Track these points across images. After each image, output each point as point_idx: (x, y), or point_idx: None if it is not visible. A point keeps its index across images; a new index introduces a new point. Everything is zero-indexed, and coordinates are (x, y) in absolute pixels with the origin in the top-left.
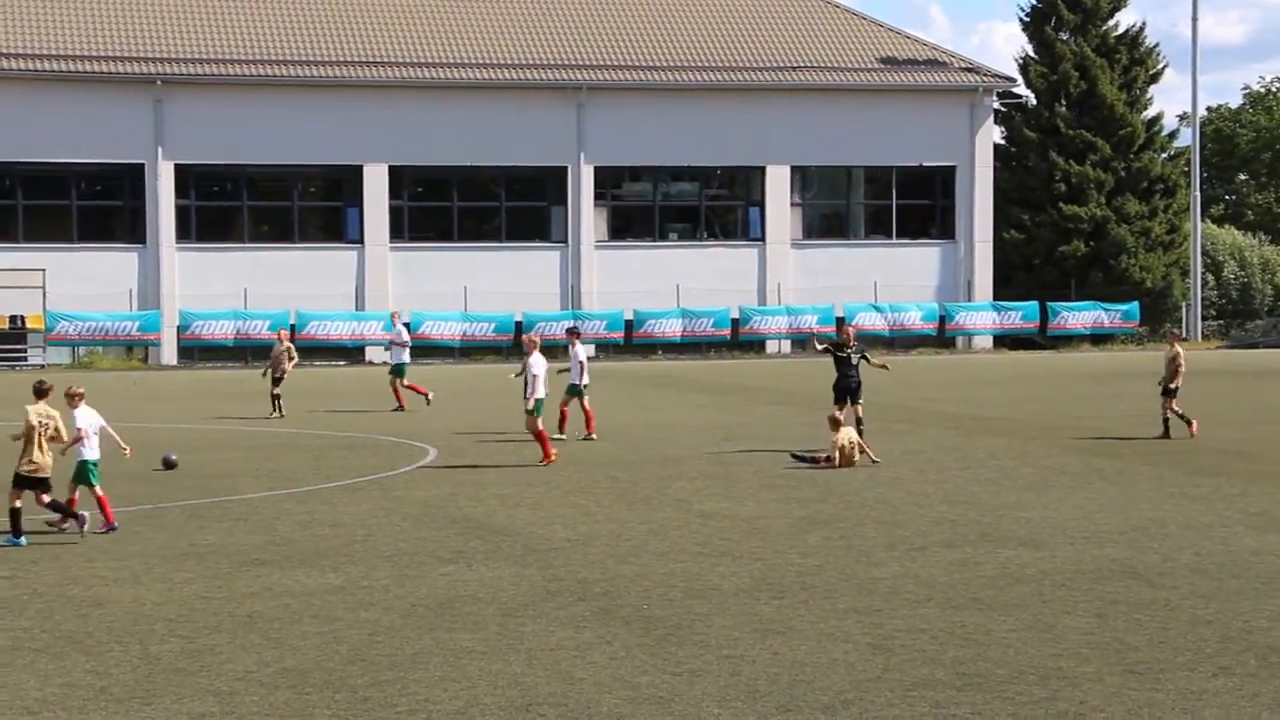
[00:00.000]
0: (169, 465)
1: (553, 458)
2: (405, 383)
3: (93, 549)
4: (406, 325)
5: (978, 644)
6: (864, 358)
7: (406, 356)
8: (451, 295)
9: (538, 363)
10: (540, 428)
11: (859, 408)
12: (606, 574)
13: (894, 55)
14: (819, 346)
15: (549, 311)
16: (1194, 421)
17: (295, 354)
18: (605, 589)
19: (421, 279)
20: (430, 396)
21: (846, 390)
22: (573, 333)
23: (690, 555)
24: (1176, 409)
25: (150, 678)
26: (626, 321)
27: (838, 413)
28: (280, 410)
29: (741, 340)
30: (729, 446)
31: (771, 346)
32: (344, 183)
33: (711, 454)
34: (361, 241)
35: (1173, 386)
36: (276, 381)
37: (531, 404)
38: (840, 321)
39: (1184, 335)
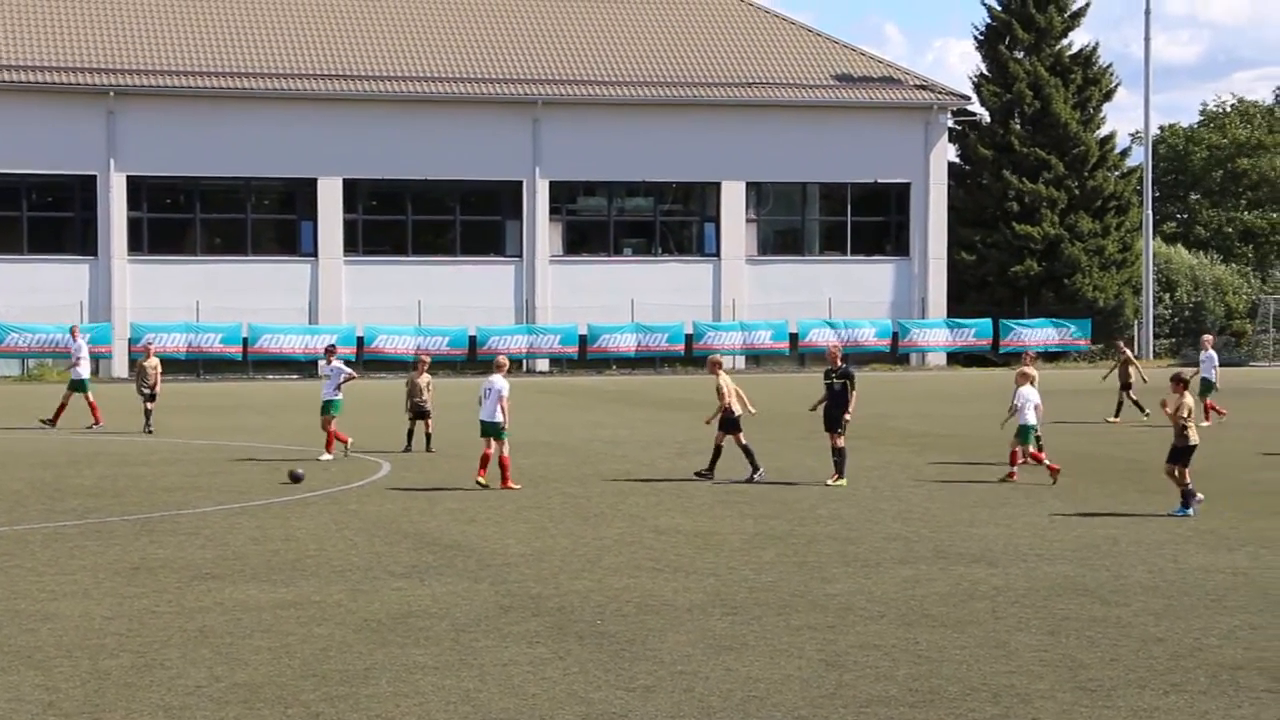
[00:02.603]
0: (295, 479)
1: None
2: (90, 398)
3: (41, 563)
4: (87, 339)
5: (931, 661)
6: (846, 384)
7: (85, 371)
8: (405, 309)
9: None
10: (506, 453)
11: (840, 437)
12: (560, 589)
13: (849, 72)
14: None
15: (503, 326)
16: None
17: (159, 370)
18: (559, 604)
19: (375, 292)
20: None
21: (829, 419)
22: (330, 351)
23: (644, 571)
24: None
25: (100, 693)
26: (581, 336)
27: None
28: (145, 424)
29: (696, 356)
30: (683, 462)
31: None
32: (298, 195)
33: (665, 469)
34: (315, 255)
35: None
36: (151, 397)
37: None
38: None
39: (1137, 352)
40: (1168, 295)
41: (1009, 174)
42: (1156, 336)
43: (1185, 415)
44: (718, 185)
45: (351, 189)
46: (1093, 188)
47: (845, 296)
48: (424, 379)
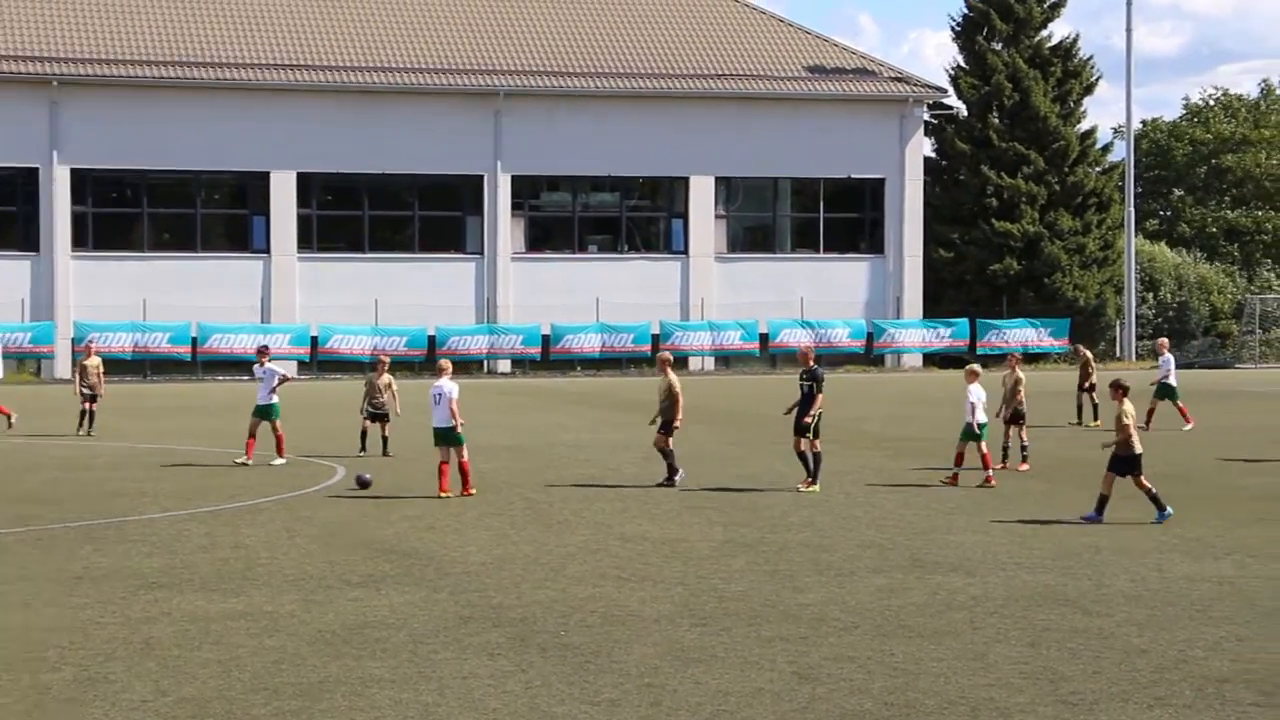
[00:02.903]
0: (363, 484)
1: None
2: None
3: None
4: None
5: (907, 673)
6: (814, 386)
7: None
8: (362, 308)
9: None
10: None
11: (811, 442)
12: (522, 599)
13: (822, 64)
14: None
15: (463, 325)
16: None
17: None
18: (521, 615)
19: (330, 291)
20: (13, 419)
21: (798, 424)
22: (263, 352)
23: (609, 580)
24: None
25: (40, 708)
26: (544, 336)
27: (799, 445)
28: (88, 427)
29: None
30: (650, 467)
31: (694, 363)
32: (249, 190)
33: (631, 474)
34: (268, 251)
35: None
36: (92, 398)
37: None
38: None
39: (1118, 353)
40: (1151, 295)
41: (987, 169)
42: (1139, 337)
43: (1128, 422)
44: (686, 180)
45: (305, 183)
46: (1073, 184)
47: (818, 296)
48: (384, 380)
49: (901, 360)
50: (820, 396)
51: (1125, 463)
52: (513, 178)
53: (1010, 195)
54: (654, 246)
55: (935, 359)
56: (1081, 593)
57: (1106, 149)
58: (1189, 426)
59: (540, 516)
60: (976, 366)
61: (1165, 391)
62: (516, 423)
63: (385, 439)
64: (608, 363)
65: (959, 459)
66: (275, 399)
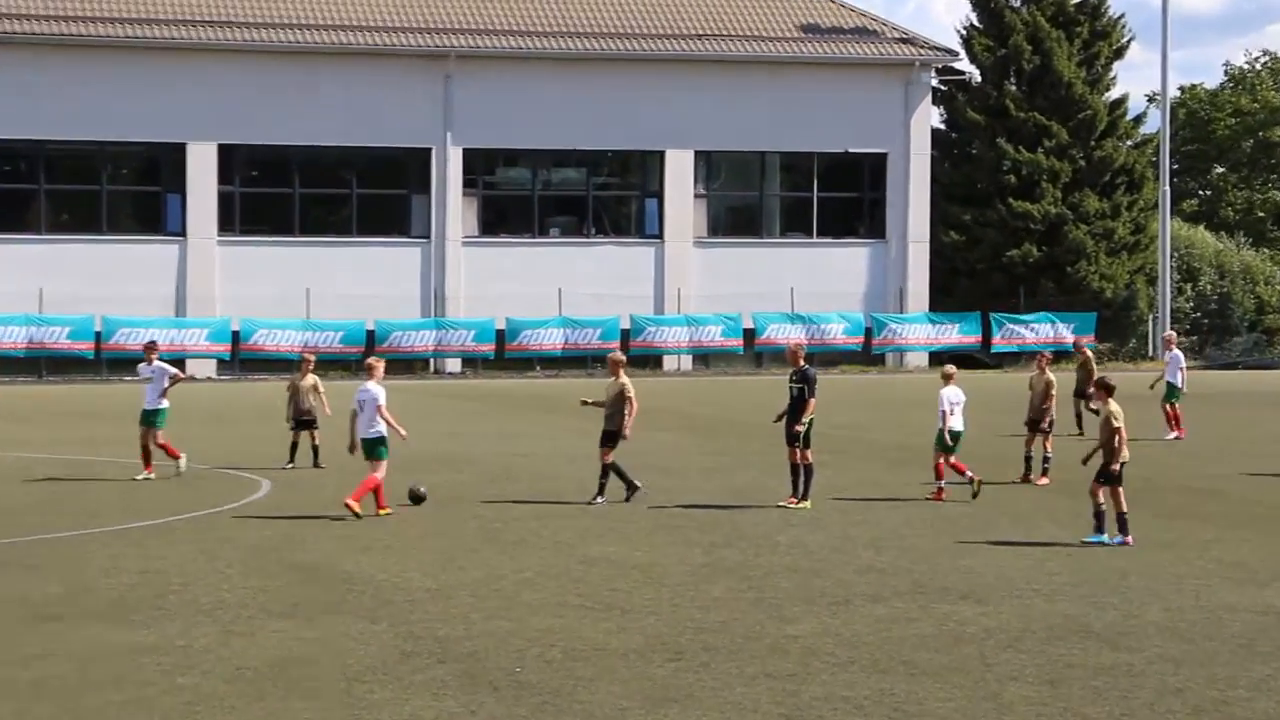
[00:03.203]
0: (417, 499)
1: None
2: None
3: None
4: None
5: (909, 715)
6: (804, 388)
7: None
8: (291, 299)
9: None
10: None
11: (802, 452)
12: (471, 630)
13: (817, 22)
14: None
15: (407, 319)
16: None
17: None
18: (470, 648)
19: (255, 280)
20: None
21: (789, 432)
22: (151, 347)
23: (571, 609)
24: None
25: None
26: (498, 332)
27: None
28: None
29: (634, 355)
30: (619, 481)
31: (670, 362)
32: (163, 164)
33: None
34: (183, 234)
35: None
36: None
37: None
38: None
39: (1151, 352)
40: (1188, 285)
41: (1003, 143)
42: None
43: (1118, 424)
44: (661, 155)
45: (227, 156)
46: (1101, 159)
47: (810, 286)
48: (309, 381)
49: (905, 359)
50: (812, 401)
51: (1112, 472)
52: (464, 151)
53: (1029, 172)
54: (625, 230)
55: (942, 358)
56: (1108, 624)
57: (1139, 120)
58: (1173, 435)
59: (493, 536)
60: (951, 367)
61: (1171, 392)
62: (467, 430)
63: (315, 448)
64: (571, 362)
65: (938, 471)
66: (165, 403)
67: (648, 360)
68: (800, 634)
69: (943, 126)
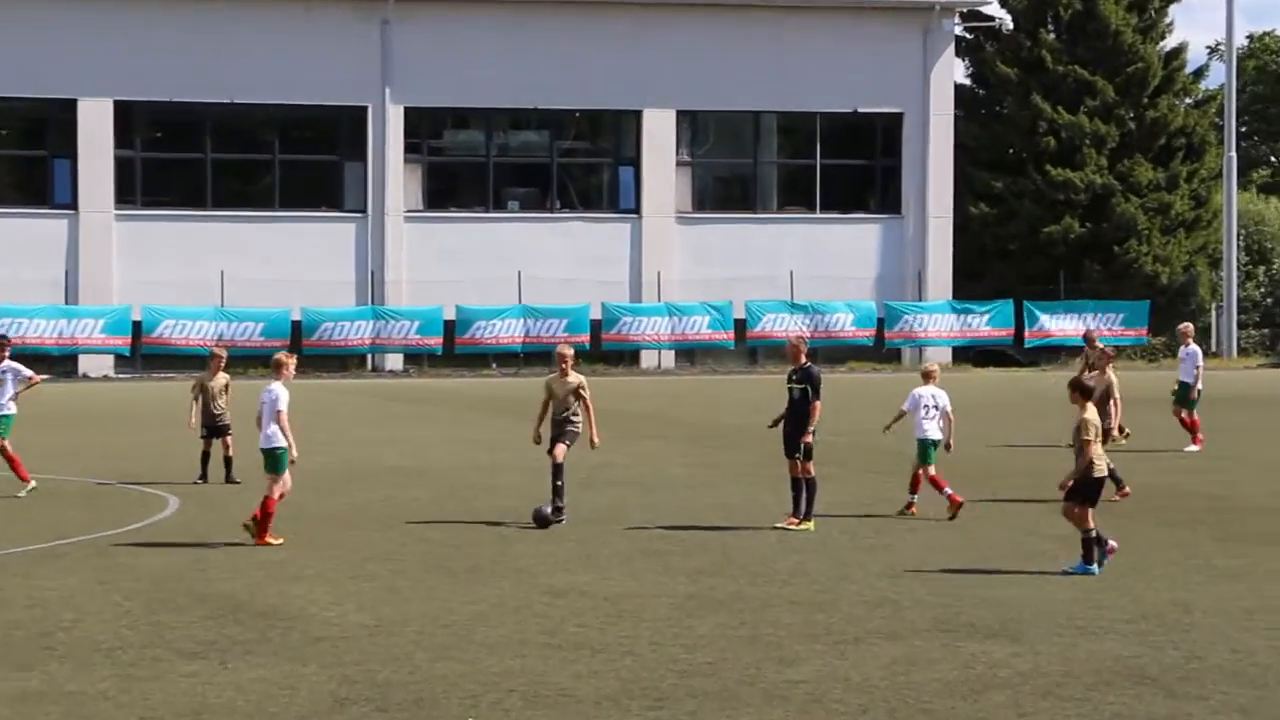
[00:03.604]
0: (543, 522)
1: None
2: None
3: None
4: None
5: None
6: (807, 390)
7: None
8: (202, 284)
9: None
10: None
11: (803, 465)
12: (417, 674)
13: None
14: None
15: (340, 308)
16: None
17: None
18: (415, 694)
19: (160, 261)
20: None
21: (788, 441)
22: (1, 344)
23: (534, 647)
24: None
25: None
26: (447, 323)
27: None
28: None
29: (606, 349)
30: (589, 495)
31: (648, 358)
32: (50, 124)
33: (565, 505)
34: (74, 207)
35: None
36: None
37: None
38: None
39: (1212, 347)
40: (1259, 269)
41: (1039, 100)
42: (1242, 326)
43: (1089, 436)
44: (637, 115)
45: (125, 115)
46: (1154, 120)
47: (813, 269)
48: (220, 380)
49: (924, 355)
50: (817, 405)
51: (1086, 489)
52: (406, 111)
53: (1070, 136)
54: (595, 203)
55: (968, 354)
56: (1165, 667)
57: (1199, 74)
58: (1194, 448)
59: (442, 563)
60: (934, 365)
61: (1182, 395)
62: (410, 437)
63: (229, 459)
64: (533, 357)
65: (914, 484)
66: (12, 408)
67: (622, 356)
68: (803, 678)
69: (968, 82)
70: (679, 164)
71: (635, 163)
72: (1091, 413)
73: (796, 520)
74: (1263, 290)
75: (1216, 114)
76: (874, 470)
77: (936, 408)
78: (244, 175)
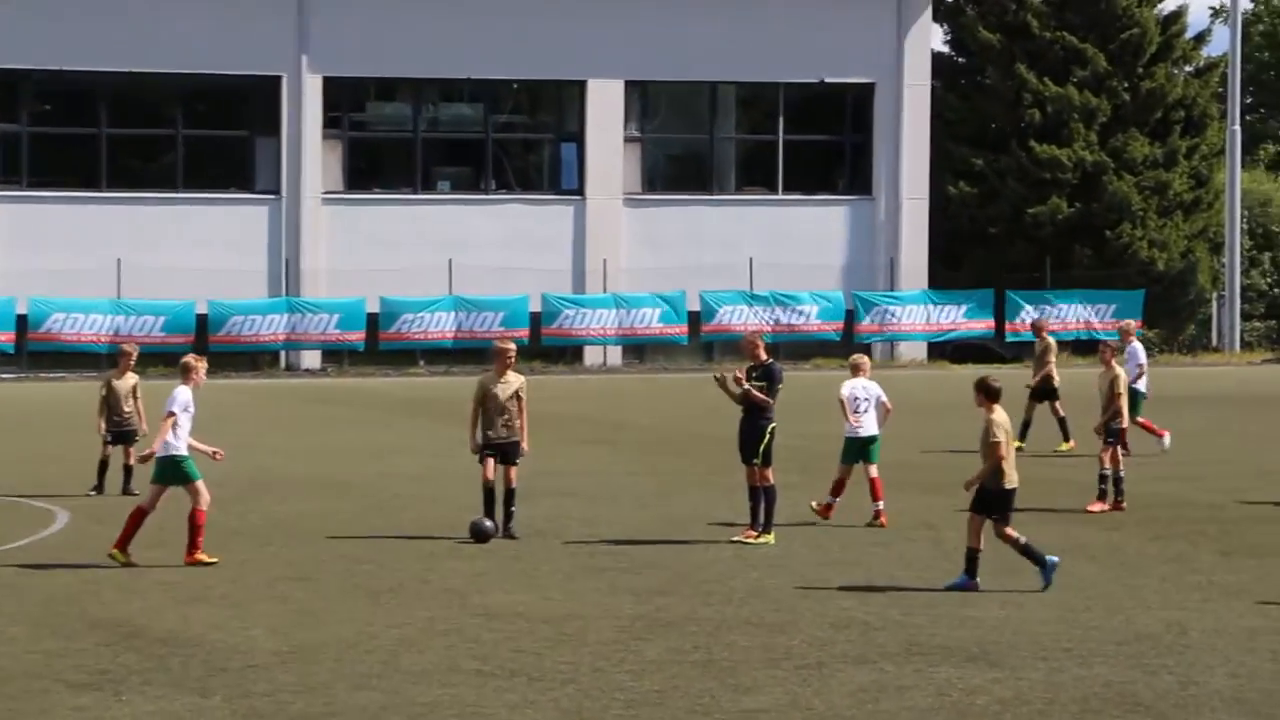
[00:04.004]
0: (481, 536)
1: None
2: None
3: None
4: None
5: None
6: (767, 389)
7: None
8: (96, 274)
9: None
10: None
11: (761, 471)
12: (334, 706)
13: None
14: (737, 386)
15: (250, 299)
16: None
17: None
18: None
19: (48, 247)
20: None
21: (745, 444)
22: None
23: (465, 675)
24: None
25: None
26: (370, 316)
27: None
28: None
29: (546, 345)
30: (527, 507)
31: (592, 355)
32: None
33: (499, 517)
34: None
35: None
36: None
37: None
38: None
39: (1214, 340)
40: (1264, 255)
41: (1024, 70)
42: (1245, 317)
43: (999, 439)
44: (581, 86)
45: (9, 85)
46: (1150, 92)
47: (775, 256)
48: (128, 382)
49: (897, 351)
50: (773, 402)
51: (994, 500)
52: (324, 81)
53: (1058, 108)
54: (534, 184)
55: (945, 349)
56: (1160, 693)
57: (1200, 40)
58: (1164, 441)
59: (364, 582)
60: (862, 358)
61: (1132, 398)
62: (328, 443)
63: (128, 469)
64: (466, 354)
65: (836, 486)
66: None
67: (564, 353)
68: (761, 707)
69: (946, 49)
70: (627, 140)
71: (579, 139)
72: (1000, 415)
73: (755, 533)
74: (1269, 279)
75: (1219, 84)
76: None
77: (869, 400)
78: (143, 153)
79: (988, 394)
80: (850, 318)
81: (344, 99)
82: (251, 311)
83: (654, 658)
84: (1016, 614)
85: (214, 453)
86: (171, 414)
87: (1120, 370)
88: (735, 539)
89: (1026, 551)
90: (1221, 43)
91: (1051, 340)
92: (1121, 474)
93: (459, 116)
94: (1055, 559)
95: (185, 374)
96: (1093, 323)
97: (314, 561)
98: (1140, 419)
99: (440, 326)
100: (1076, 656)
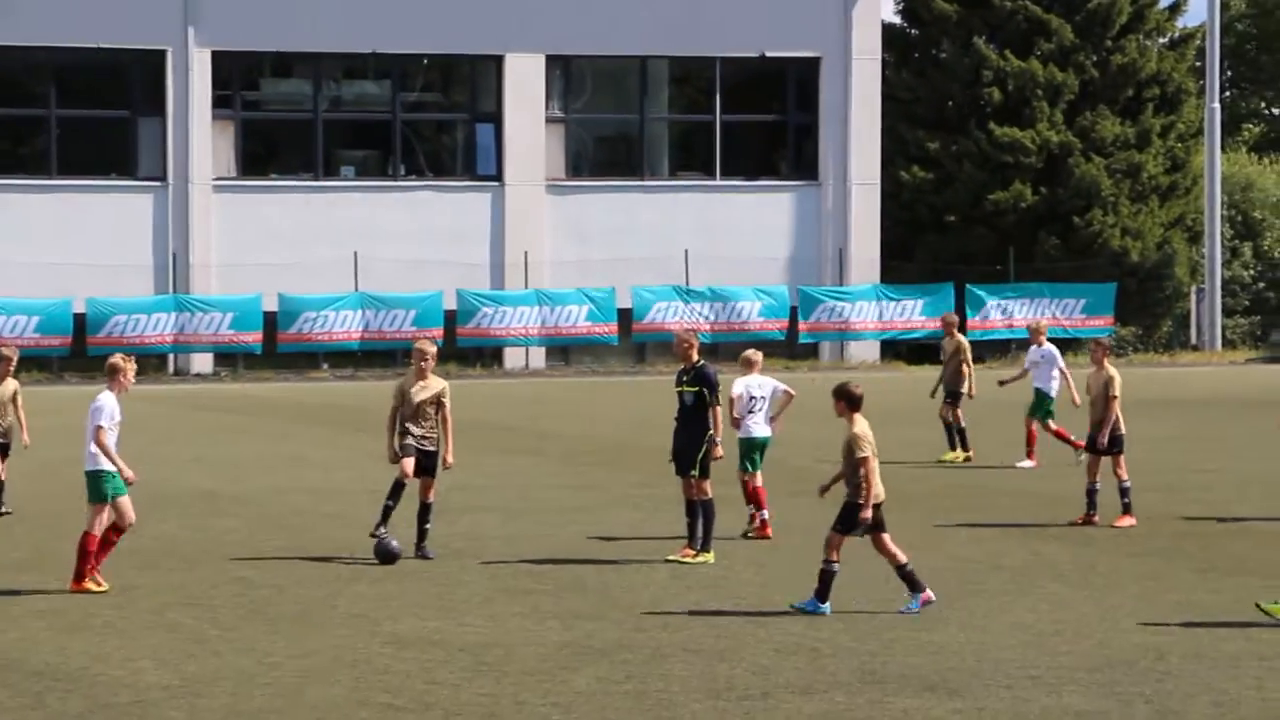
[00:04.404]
0: (387, 556)
1: None
2: None
3: None
4: None
5: None
6: (702, 394)
7: None
8: None
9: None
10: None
11: (699, 484)
12: None
13: None
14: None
15: (134, 298)
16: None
17: None
18: None
19: None
20: None
21: (681, 455)
22: None
23: (374, 710)
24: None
25: None
26: (268, 315)
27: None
28: None
29: (462, 346)
30: (443, 525)
31: (513, 357)
32: None
33: (414, 537)
34: None
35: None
36: None
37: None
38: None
39: (1194, 338)
40: (1246, 245)
41: (983, 44)
42: (1227, 313)
43: (865, 453)
44: (498, 61)
45: None
46: (1121, 66)
47: (713, 248)
48: (8, 388)
49: (846, 351)
50: (717, 410)
51: (851, 514)
52: (214, 55)
53: (1021, 85)
54: (448, 169)
55: (899, 348)
56: None
57: (1176, 9)
58: (1028, 464)
59: (262, 608)
60: (756, 353)
61: (1039, 404)
62: (222, 455)
63: (0, 484)
64: (373, 356)
65: (751, 497)
66: None
67: (482, 354)
68: None
69: (898, 21)
70: (550, 121)
71: (496, 120)
72: (862, 425)
73: (693, 551)
74: (1252, 271)
75: (1196, 57)
76: (785, 490)
77: (764, 399)
78: (13, 135)
79: (849, 402)
80: (794, 315)
81: (236, 75)
82: (135, 310)
83: (582, 689)
84: (979, 638)
85: (127, 474)
86: (101, 427)
87: (1115, 371)
88: (671, 558)
89: (825, 573)
90: (1199, 12)
91: (963, 340)
92: (1098, 485)
93: (364, 95)
94: (929, 598)
95: (112, 377)
96: (1060, 319)
97: (207, 585)
98: (1051, 425)
99: (345, 326)
100: (1045, 685)
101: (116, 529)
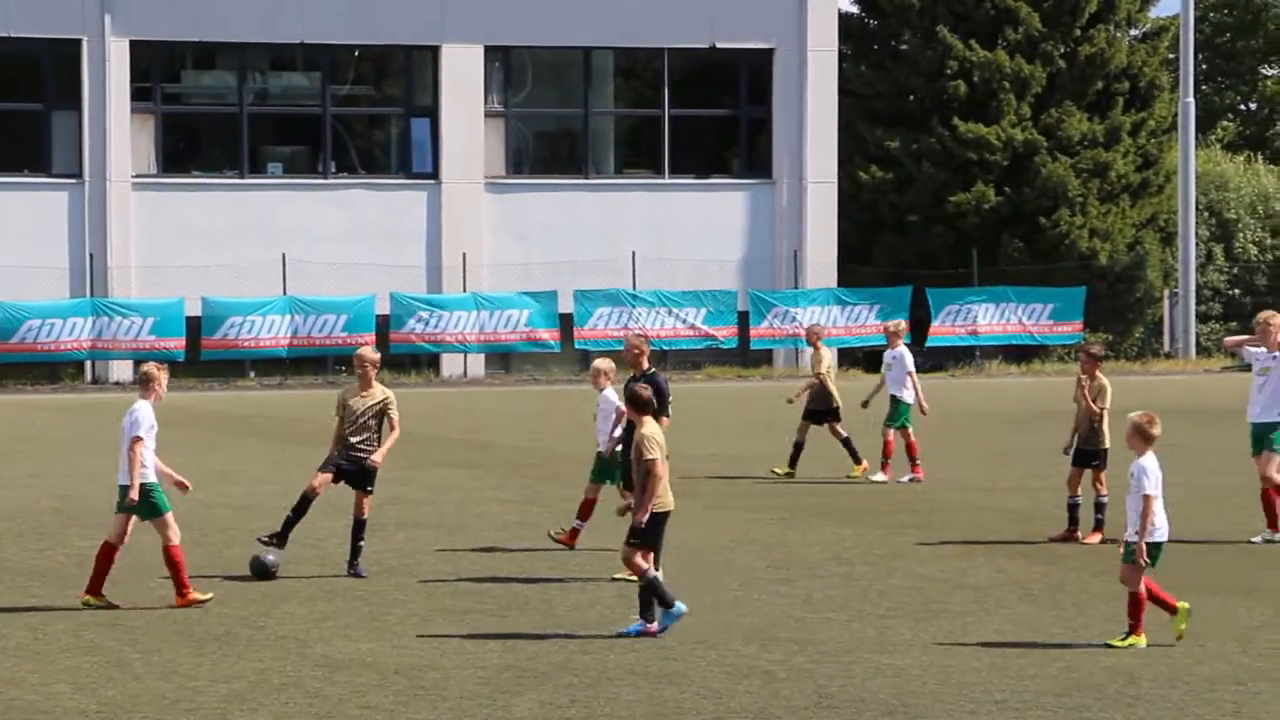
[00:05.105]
0: (263, 572)
1: None
2: None
3: None
4: None
5: None
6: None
7: None
8: None
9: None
10: None
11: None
12: None
13: None
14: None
15: (48, 301)
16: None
17: None
18: None
19: None
20: None
21: (625, 469)
22: None
23: None
24: None
25: None
26: (190, 320)
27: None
28: None
29: (396, 352)
30: (383, 540)
31: (451, 364)
32: None
33: (344, 554)
34: None
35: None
36: None
37: None
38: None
39: (1166, 345)
40: (1219, 247)
41: (948, 34)
42: (1201, 319)
43: (652, 455)
44: (434, 52)
45: None
46: (1090, 58)
47: (662, 250)
48: None
49: (802, 358)
50: (665, 420)
51: (657, 528)
52: (132, 45)
53: (986, 78)
54: (381, 166)
55: (857, 356)
56: None
57: (1148, 0)
58: (881, 477)
59: (185, 629)
60: (605, 362)
61: (895, 412)
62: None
63: None
64: (302, 364)
65: (584, 508)
66: None
67: (418, 361)
68: None
69: (856, 10)
70: (489, 115)
71: (432, 114)
72: (651, 427)
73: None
74: (1225, 276)
75: (1169, 50)
76: (738, 505)
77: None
78: None
79: (638, 406)
80: (745, 321)
81: (155, 66)
82: (49, 315)
83: (524, 714)
84: (941, 660)
85: (182, 483)
86: (139, 438)
87: (1107, 382)
88: (617, 576)
89: (646, 587)
90: (1172, 3)
91: (826, 351)
92: (1078, 499)
93: (292, 87)
94: (680, 609)
95: (145, 386)
96: (1027, 325)
97: (128, 605)
98: (909, 433)
99: (272, 332)
100: (1010, 709)
101: (113, 546)
